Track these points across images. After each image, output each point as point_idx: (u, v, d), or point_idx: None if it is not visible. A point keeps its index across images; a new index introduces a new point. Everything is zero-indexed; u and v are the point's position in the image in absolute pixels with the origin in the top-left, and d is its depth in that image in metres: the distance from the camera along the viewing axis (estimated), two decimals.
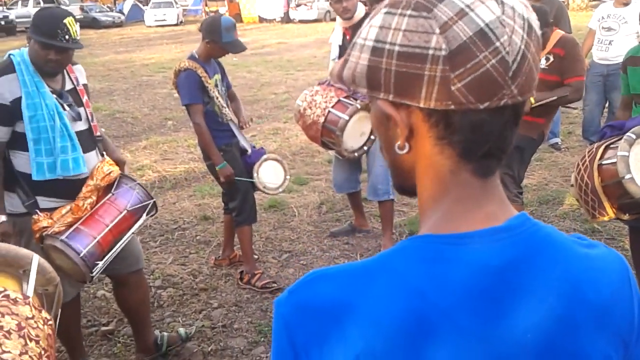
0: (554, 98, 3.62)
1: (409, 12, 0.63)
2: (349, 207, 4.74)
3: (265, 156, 3.88)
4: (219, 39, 3.50)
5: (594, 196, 2.89)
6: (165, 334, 3.14)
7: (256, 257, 4.13)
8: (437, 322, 0.64)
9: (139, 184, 2.86)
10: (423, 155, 0.69)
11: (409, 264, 0.67)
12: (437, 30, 0.62)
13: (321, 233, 4.57)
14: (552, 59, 3.62)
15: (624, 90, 3.15)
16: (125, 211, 2.72)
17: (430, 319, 0.64)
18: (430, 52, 0.62)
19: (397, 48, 0.63)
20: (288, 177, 3.98)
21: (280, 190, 3.97)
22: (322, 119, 3.95)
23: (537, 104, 3.62)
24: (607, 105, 5.95)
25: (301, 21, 29.40)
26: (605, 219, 2.96)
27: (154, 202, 2.87)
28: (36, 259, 1.94)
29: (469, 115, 0.64)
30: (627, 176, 2.71)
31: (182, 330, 3.20)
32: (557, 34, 3.67)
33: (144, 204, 2.82)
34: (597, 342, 0.67)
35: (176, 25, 29.83)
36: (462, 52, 0.61)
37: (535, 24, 0.66)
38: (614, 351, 0.69)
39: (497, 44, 0.62)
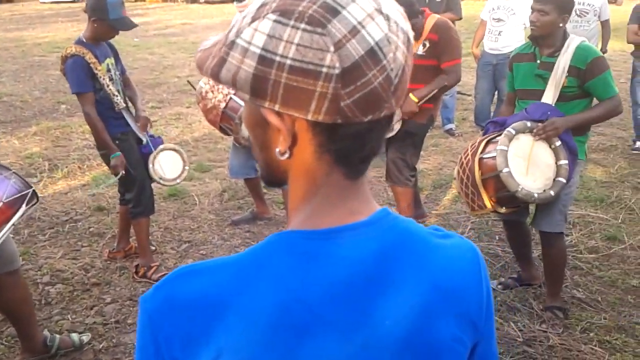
0: (435, 91, 3.73)
1: (302, 25, 0.62)
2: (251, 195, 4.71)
3: (162, 146, 3.75)
4: (105, 16, 3.29)
5: (474, 189, 3.03)
6: (57, 336, 2.98)
7: (154, 248, 4.02)
8: (303, 316, 0.66)
9: (14, 172, 2.67)
10: (301, 160, 0.70)
11: (277, 258, 0.68)
12: (332, 49, 0.62)
13: (222, 221, 4.52)
14: (428, 44, 3.69)
15: (509, 88, 3.29)
16: (1, 203, 2.54)
17: (297, 313, 0.66)
18: (324, 69, 0.62)
19: (289, 62, 0.63)
20: (187, 167, 3.89)
21: (178, 181, 3.87)
22: (222, 105, 3.89)
23: (421, 102, 3.72)
24: (497, 93, 6.26)
25: (207, 2, 28.55)
26: (484, 211, 3.11)
27: (34, 190, 2.68)
28: None
29: (353, 127, 0.66)
30: (505, 170, 2.87)
31: (75, 336, 3.04)
32: (432, 19, 3.72)
33: (22, 193, 2.64)
34: (449, 325, 0.72)
35: (73, 2, 28.13)
36: (353, 71, 0.63)
37: (411, 34, 0.69)
38: (464, 333, 0.74)
39: (384, 62, 0.64)
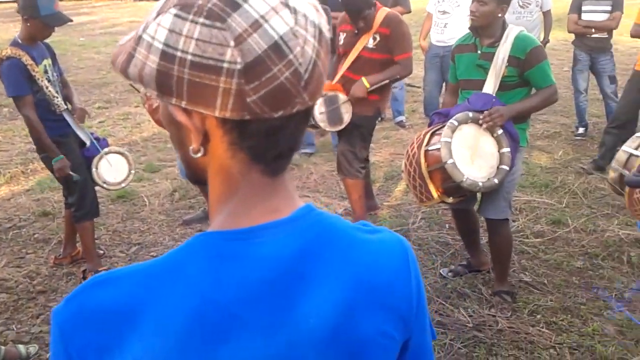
0: (387, 80, 3.79)
1: (201, 20, 0.61)
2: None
3: (106, 149, 3.66)
4: (36, 13, 3.17)
5: (421, 181, 3.07)
6: (2, 347, 2.88)
7: (102, 252, 3.93)
8: (220, 320, 0.64)
9: None
10: (216, 158, 0.69)
11: (193, 262, 0.66)
12: (232, 43, 0.60)
13: (173, 222, 4.45)
14: (378, 38, 3.74)
15: (452, 78, 3.34)
16: None
17: (213, 317, 0.64)
18: (225, 65, 0.61)
19: (189, 57, 0.61)
20: (132, 171, 3.79)
21: (123, 185, 3.77)
22: None
23: (372, 87, 3.76)
24: (444, 84, 6.35)
25: None
26: (432, 202, 3.16)
27: None
28: None
29: (264, 123, 0.65)
30: (450, 161, 2.91)
31: (21, 347, 2.94)
32: (383, 12, 3.76)
33: None
34: (376, 321, 0.71)
35: (14, 1, 27.16)
36: (257, 66, 0.61)
37: (325, 28, 0.67)
38: (393, 328, 0.73)
39: (291, 56, 0.62)
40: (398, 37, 3.73)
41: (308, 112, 0.69)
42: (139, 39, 0.65)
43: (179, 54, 0.61)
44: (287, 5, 0.63)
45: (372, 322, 0.71)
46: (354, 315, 0.70)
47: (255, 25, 0.61)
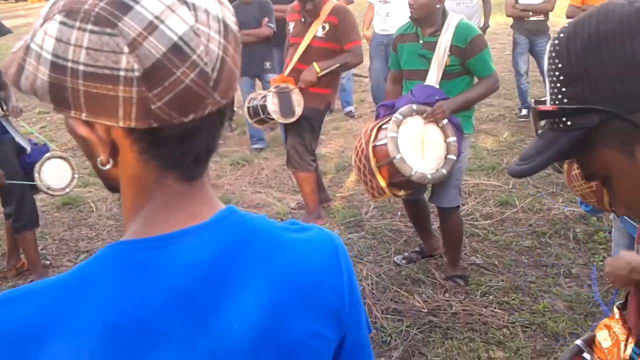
0: (337, 65, 3.81)
1: (89, 26, 0.56)
2: None
3: (48, 154, 3.54)
4: None
5: (371, 176, 3.08)
6: None
7: (49, 262, 3.80)
8: (136, 334, 0.61)
9: None
10: (127, 168, 0.65)
11: (104, 274, 0.62)
12: (126, 50, 0.56)
13: (123, 227, 4.33)
14: (327, 27, 3.78)
15: (394, 66, 3.35)
16: None
17: (128, 332, 0.60)
18: (122, 73, 0.56)
19: (82, 67, 0.57)
20: (76, 175, 3.68)
21: (67, 190, 3.67)
22: None
23: (323, 72, 3.77)
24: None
25: None
26: (384, 197, 3.18)
27: None
28: None
29: (175, 128, 0.61)
30: (397, 156, 2.93)
31: None
32: (331, 3, 3.82)
33: None
34: (305, 321, 0.69)
35: None
36: (157, 71, 0.57)
37: (231, 20, 0.64)
38: (324, 327, 0.71)
39: (194, 57, 0.59)
40: (346, 26, 3.78)
41: (223, 112, 0.66)
42: (27, 49, 0.61)
43: (69, 64, 0.57)
44: (184, 2, 0.59)
45: (302, 323, 0.69)
46: (282, 318, 0.67)
47: (150, 28, 0.57)
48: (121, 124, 0.59)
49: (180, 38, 0.58)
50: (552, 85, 0.70)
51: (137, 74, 0.57)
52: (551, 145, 0.71)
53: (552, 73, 0.70)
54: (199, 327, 0.63)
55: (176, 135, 0.62)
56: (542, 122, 0.73)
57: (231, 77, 0.64)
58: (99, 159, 0.64)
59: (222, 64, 0.62)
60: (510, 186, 4.60)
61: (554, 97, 0.70)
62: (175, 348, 0.62)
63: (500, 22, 10.55)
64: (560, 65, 0.69)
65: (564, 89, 0.68)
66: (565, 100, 0.68)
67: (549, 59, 0.71)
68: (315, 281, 0.71)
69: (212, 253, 0.66)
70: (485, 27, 6.04)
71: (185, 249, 0.65)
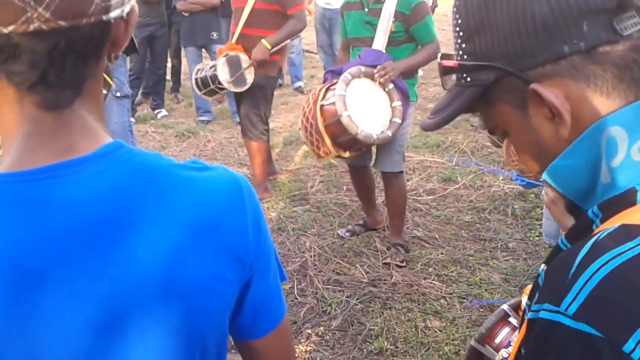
0: (287, 40, 3.79)
1: None
2: None
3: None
4: None
5: (317, 136, 3.09)
6: None
7: None
8: (14, 280, 0.57)
9: None
10: None
11: None
12: None
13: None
14: None
15: (342, 34, 3.39)
16: None
17: (5, 276, 0.57)
18: None
19: None
20: None
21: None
22: None
23: (274, 49, 3.74)
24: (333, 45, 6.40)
25: None
26: (329, 157, 3.19)
27: None
28: None
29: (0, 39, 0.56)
30: (345, 114, 2.94)
31: None
32: None
33: None
34: (206, 263, 0.66)
35: None
36: None
37: None
38: (226, 269, 0.68)
39: None
40: None
41: (74, 40, 0.59)
42: None
43: None
44: None
45: (202, 266, 0.66)
46: (181, 260, 0.64)
47: None
48: None
49: None
50: (455, 41, 0.71)
51: None
52: (455, 99, 0.71)
53: (454, 29, 0.70)
54: (84, 270, 0.60)
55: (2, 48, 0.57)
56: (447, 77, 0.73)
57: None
58: None
59: None
60: (454, 163, 4.69)
61: (455, 53, 0.71)
62: (68, 296, 0.59)
63: (451, 3, 10.69)
64: (460, 21, 0.69)
65: (463, 45, 0.68)
66: (465, 57, 0.69)
67: (452, 14, 0.71)
68: (215, 222, 0.68)
69: (100, 190, 0.61)
70: (433, 7, 6.09)
71: (67, 184, 0.60)
